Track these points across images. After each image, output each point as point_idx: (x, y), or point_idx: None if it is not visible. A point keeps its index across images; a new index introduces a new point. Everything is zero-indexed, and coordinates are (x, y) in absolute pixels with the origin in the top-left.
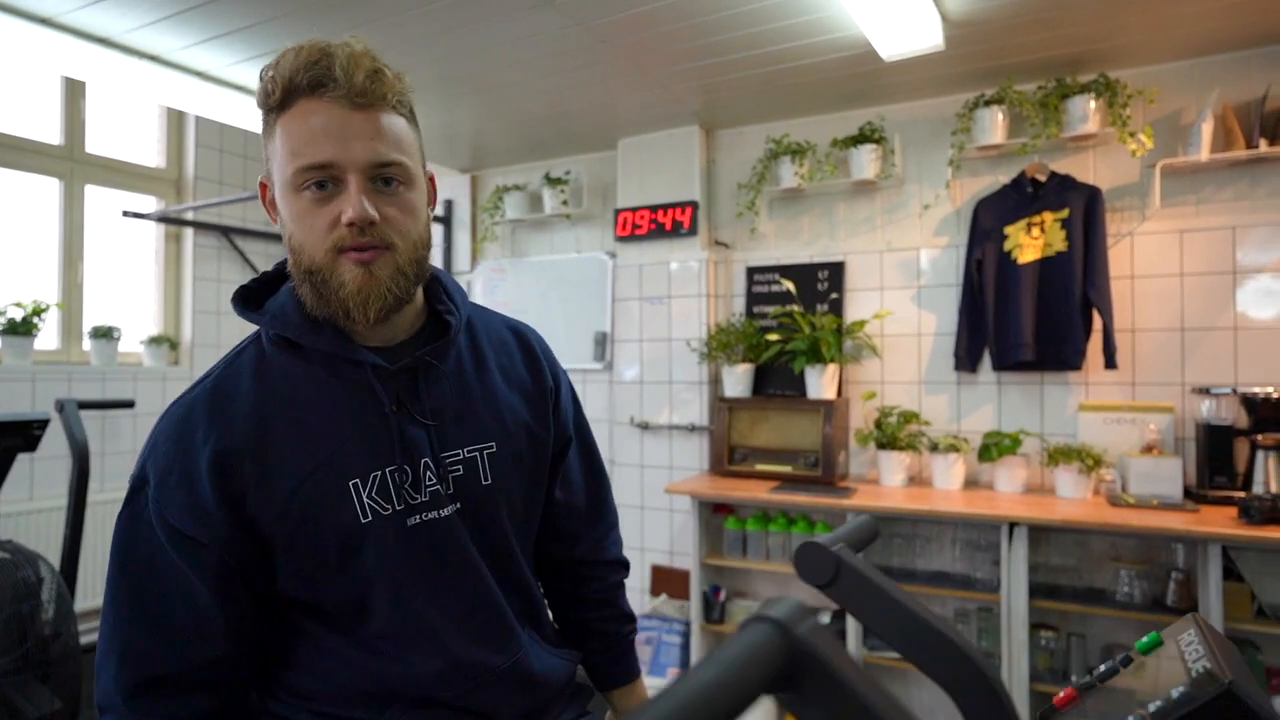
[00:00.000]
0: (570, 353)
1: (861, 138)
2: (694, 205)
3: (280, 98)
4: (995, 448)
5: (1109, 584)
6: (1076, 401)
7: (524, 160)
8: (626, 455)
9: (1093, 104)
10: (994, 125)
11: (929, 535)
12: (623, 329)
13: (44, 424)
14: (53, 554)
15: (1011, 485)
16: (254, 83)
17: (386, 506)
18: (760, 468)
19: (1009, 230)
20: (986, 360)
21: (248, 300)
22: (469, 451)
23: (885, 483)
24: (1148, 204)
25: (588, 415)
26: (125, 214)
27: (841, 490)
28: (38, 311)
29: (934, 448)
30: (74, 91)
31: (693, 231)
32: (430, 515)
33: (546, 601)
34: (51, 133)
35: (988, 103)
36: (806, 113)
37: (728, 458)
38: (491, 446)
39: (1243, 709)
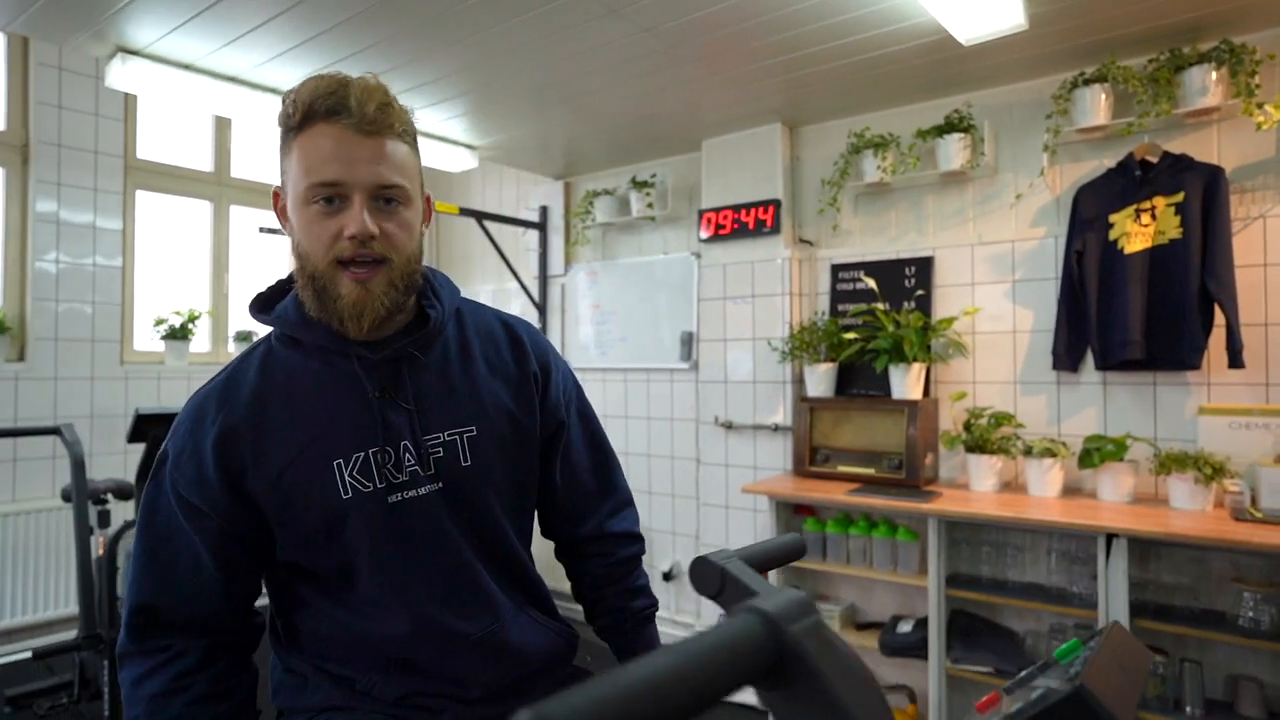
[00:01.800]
0: (658, 353)
1: (948, 127)
2: (776, 204)
3: (299, 120)
4: (1097, 453)
5: (1230, 607)
6: (1196, 404)
7: (613, 165)
8: (711, 455)
9: (1214, 74)
10: (1095, 105)
11: (1021, 545)
12: (708, 329)
13: None
14: None
15: (1116, 494)
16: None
17: (368, 484)
18: (842, 469)
19: (1114, 218)
20: (1089, 359)
21: (261, 306)
22: (449, 435)
23: (975, 488)
24: None
25: (673, 414)
26: (261, 230)
27: (925, 494)
28: (193, 318)
29: (1028, 452)
30: (221, 124)
31: (775, 230)
32: (410, 493)
33: (572, 584)
34: (204, 161)
35: (1087, 82)
36: (889, 104)
37: (809, 458)
38: (472, 430)
39: (1089, 712)
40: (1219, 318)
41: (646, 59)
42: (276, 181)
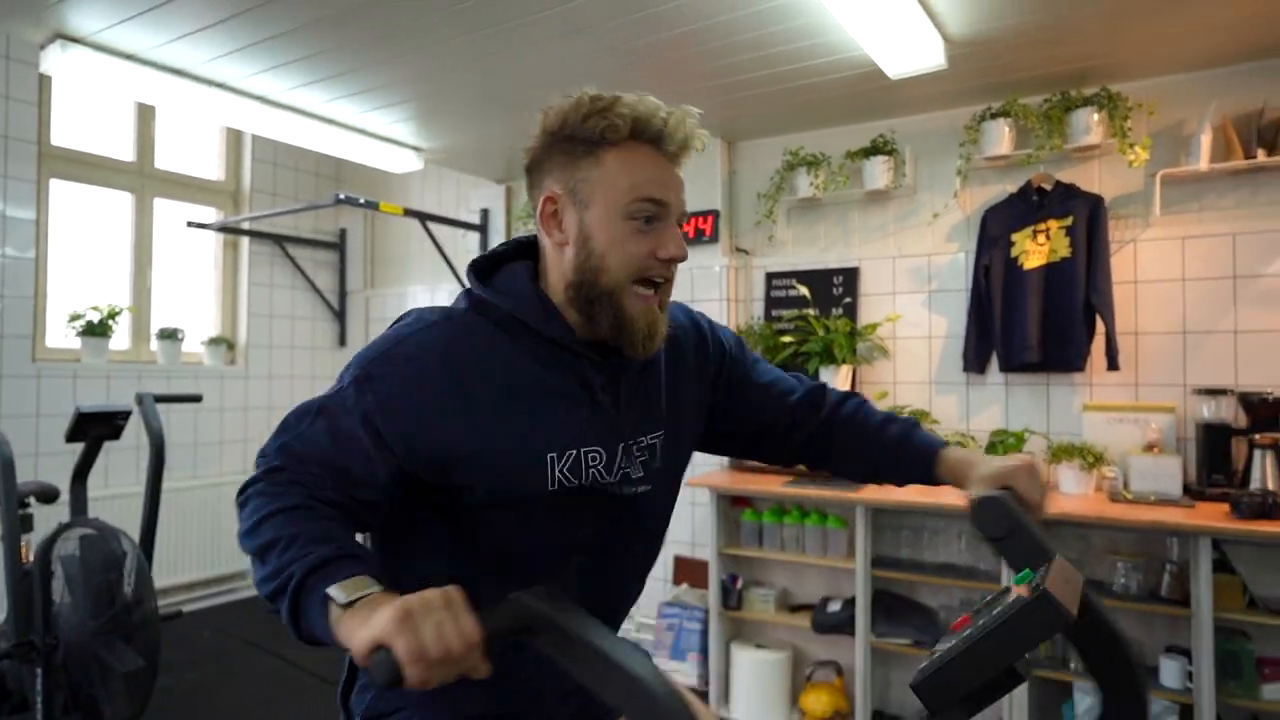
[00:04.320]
0: None
1: (874, 149)
2: (715, 214)
3: (625, 134)
4: (1001, 445)
5: (1107, 576)
6: (1081, 402)
7: None
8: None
9: (1095, 116)
10: (1000, 137)
11: (936, 529)
12: None
13: (127, 415)
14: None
15: None
16: (308, 106)
17: (573, 480)
18: None
19: (1016, 237)
20: (994, 362)
21: (481, 275)
22: (650, 439)
23: None
24: (1150, 212)
25: None
26: (189, 224)
27: (853, 484)
28: (112, 315)
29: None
30: (145, 114)
31: (714, 239)
32: (621, 491)
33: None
34: (125, 150)
35: (994, 115)
36: (822, 125)
37: None
38: (662, 434)
39: (1052, 608)
40: (1100, 327)
41: (601, 75)
42: (210, 176)
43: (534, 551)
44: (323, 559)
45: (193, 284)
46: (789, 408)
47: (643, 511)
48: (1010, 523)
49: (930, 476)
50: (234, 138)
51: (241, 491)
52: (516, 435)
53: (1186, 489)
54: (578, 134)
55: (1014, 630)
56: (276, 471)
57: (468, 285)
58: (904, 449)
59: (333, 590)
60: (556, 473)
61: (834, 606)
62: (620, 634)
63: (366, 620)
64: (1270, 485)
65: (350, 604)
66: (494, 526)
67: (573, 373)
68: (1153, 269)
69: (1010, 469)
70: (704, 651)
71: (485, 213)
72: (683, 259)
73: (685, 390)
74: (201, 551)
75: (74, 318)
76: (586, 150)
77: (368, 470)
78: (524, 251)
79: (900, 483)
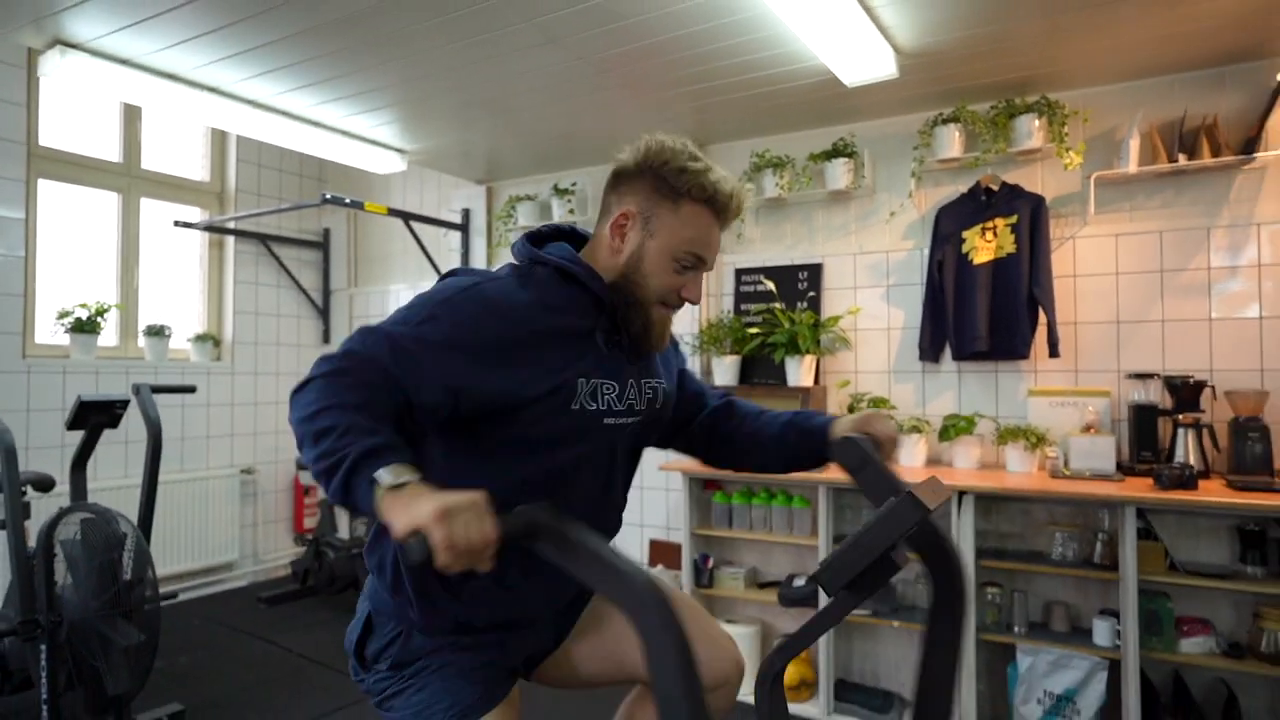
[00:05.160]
0: None
1: (835, 152)
2: None
3: (706, 197)
4: (953, 429)
5: (1046, 546)
6: (1026, 387)
7: (534, 172)
8: None
9: (1036, 122)
10: (951, 141)
11: None
12: None
13: (125, 404)
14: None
15: (967, 462)
16: (296, 109)
17: (591, 405)
18: None
19: (966, 234)
20: (948, 351)
21: (536, 240)
22: (651, 384)
23: None
24: (1086, 211)
25: None
26: (176, 224)
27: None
28: (100, 312)
29: (900, 429)
30: (131, 115)
31: None
32: (621, 421)
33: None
34: (111, 151)
35: (945, 121)
36: (786, 129)
37: None
38: (661, 382)
39: (916, 503)
40: (1042, 318)
41: (575, 82)
42: (196, 176)
43: (545, 471)
44: (374, 446)
45: (179, 282)
46: (707, 410)
47: (637, 439)
48: (862, 457)
49: (824, 448)
50: (219, 139)
51: (302, 385)
52: (549, 370)
53: (1120, 466)
54: (670, 179)
55: (887, 521)
56: (340, 374)
57: (513, 259)
58: (800, 433)
59: (381, 473)
60: (580, 396)
61: (799, 581)
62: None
63: (408, 507)
64: (1191, 460)
65: (394, 487)
66: (517, 449)
67: (598, 325)
68: (1089, 264)
69: (866, 416)
70: None
71: (467, 212)
72: (697, 303)
73: (668, 364)
74: (190, 543)
75: (63, 315)
76: (672, 195)
77: (419, 387)
78: (559, 235)
79: (801, 465)
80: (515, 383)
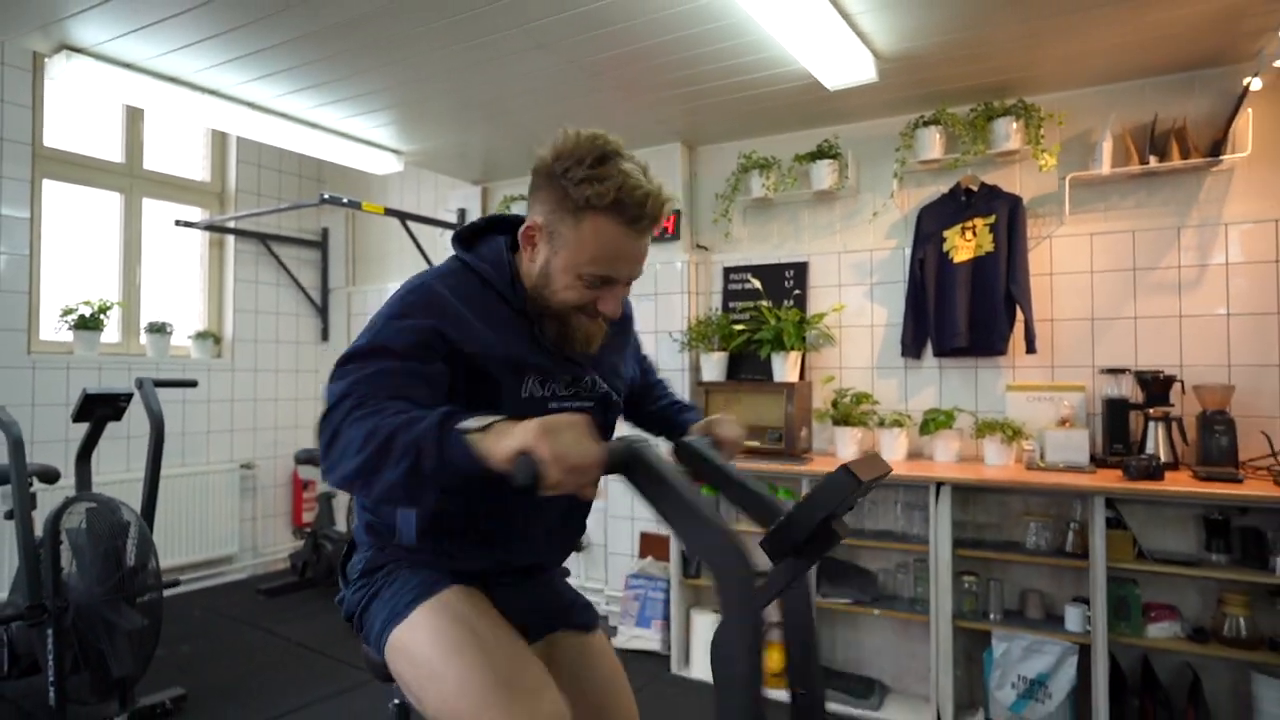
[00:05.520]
0: None
1: (819, 153)
2: (677, 213)
3: (608, 206)
4: (933, 423)
5: (1021, 536)
6: (1005, 383)
7: (528, 173)
8: (618, 432)
9: (1014, 125)
10: (932, 143)
11: (875, 498)
12: None
13: (129, 397)
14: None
15: (947, 455)
16: (296, 111)
17: (540, 391)
18: None
19: (947, 233)
20: (929, 348)
21: (465, 243)
22: (577, 373)
23: (840, 455)
24: (1062, 211)
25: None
26: (177, 223)
27: (801, 460)
28: (103, 309)
29: (882, 423)
30: (134, 117)
31: (676, 236)
32: (563, 406)
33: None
34: (114, 152)
35: (926, 123)
36: (773, 131)
37: None
38: (620, 370)
39: (851, 476)
40: (1020, 315)
41: (566, 86)
42: (196, 176)
43: None
44: (442, 415)
45: (180, 280)
46: (653, 397)
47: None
48: (698, 458)
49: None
50: (219, 140)
51: (326, 427)
52: (503, 341)
53: (1093, 458)
54: (571, 190)
55: (824, 492)
56: (358, 406)
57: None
58: (666, 424)
59: (465, 423)
60: (528, 384)
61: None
62: (589, 605)
63: (508, 434)
64: (1161, 452)
65: (484, 428)
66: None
67: (527, 320)
68: (1065, 262)
69: (713, 420)
70: (666, 618)
71: (462, 212)
72: (615, 318)
73: (616, 346)
74: (190, 536)
75: (66, 312)
76: (573, 209)
77: (423, 371)
78: (499, 226)
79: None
80: (487, 339)
